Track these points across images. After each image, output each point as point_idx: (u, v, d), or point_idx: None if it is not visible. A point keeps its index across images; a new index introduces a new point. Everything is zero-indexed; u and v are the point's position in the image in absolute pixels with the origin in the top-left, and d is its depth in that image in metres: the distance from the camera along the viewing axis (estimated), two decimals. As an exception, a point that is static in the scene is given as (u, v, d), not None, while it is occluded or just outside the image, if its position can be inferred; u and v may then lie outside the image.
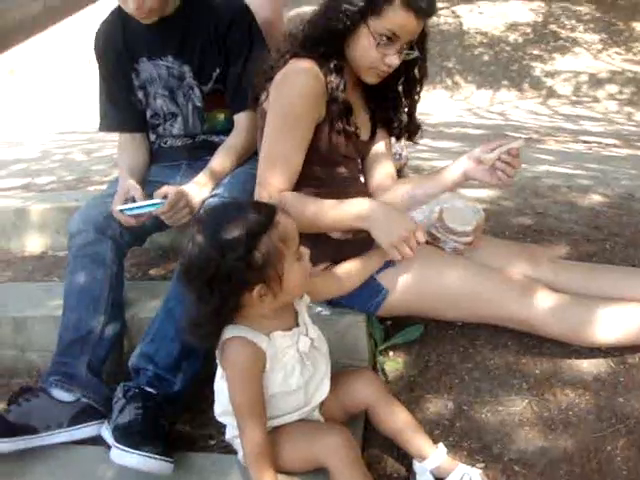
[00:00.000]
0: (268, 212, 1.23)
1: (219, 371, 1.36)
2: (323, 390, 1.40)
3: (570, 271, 1.75)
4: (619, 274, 1.75)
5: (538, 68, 8.09)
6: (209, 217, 1.28)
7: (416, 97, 1.78)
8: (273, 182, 1.56)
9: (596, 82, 7.88)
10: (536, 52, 8.26)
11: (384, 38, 1.54)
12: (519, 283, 1.64)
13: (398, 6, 1.50)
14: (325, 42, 1.56)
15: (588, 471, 1.44)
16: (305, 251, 1.29)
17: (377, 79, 1.65)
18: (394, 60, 1.58)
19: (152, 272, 2.25)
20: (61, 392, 1.57)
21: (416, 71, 1.71)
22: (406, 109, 1.80)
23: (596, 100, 7.68)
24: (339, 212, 1.55)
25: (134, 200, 1.80)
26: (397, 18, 1.52)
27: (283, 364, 1.31)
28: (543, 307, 1.59)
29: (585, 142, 5.16)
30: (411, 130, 1.83)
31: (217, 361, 1.35)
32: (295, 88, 1.56)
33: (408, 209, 1.69)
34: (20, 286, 2.29)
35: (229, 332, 1.30)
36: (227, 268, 1.18)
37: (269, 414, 1.32)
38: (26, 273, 2.44)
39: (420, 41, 1.64)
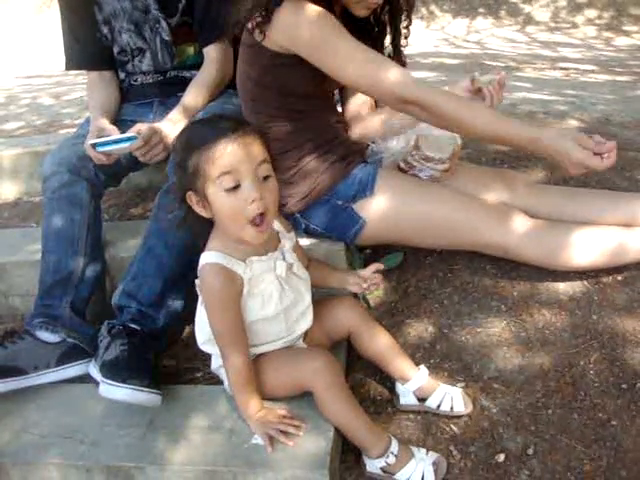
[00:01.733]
0: (217, 134, 1.23)
1: (200, 299, 1.37)
2: (307, 319, 1.42)
3: (545, 196, 1.76)
4: (593, 197, 1.77)
5: (515, -7, 7.93)
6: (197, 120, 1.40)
7: (402, 29, 1.74)
8: (394, 79, 1.46)
9: (575, 7, 7.76)
10: (513, -23, 8.08)
11: None
12: (495, 210, 1.66)
13: None
14: None
15: (562, 385, 1.49)
16: (250, 193, 1.22)
17: (367, 11, 1.61)
18: None
19: (131, 212, 2.24)
20: (46, 333, 1.58)
21: (402, 1, 1.67)
22: (390, 41, 1.75)
23: (575, 26, 7.58)
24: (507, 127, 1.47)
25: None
26: None
27: (260, 289, 1.32)
28: (518, 233, 1.61)
29: (563, 69, 5.11)
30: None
31: (197, 289, 1.36)
32: (311, 15, 1.47)
33: (384, 137, 1.68)
34: (-3, 232, 2.27)
35: (204, 258, 1.31)
36: (175, 162, 1.31)
37: (251, 342, 1.35)
38: (3, 220, 2.42)
39: None
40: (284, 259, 1.36)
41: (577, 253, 1.63)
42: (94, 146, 1.70)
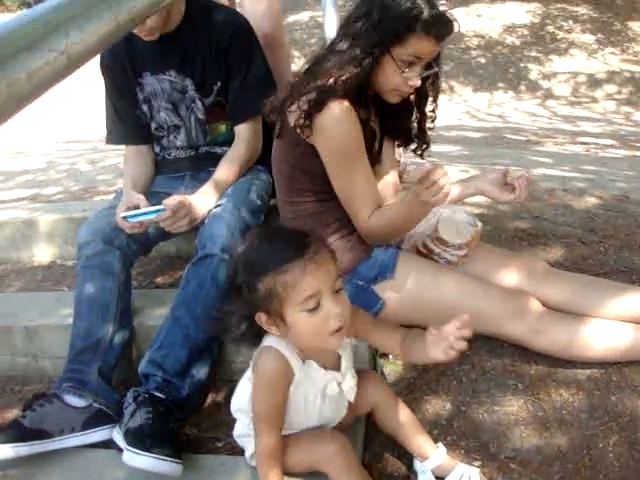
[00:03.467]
0: (290, 255, 1.20)
1: (248, 372, 1.39)
2: (340, 417, 1.44)
3: (563, 283, 1.79)
4: (611, 289, 1.79)
5: (535, 70, 8.15)
6: (257, 233, 1.37)
7: (428, 111, 1.82)
8: (361, 215, 1.66)
9: (594, 82, 7.94)
10: (533, 54, 8.32)
11: (407, 63, 1.60)
12: (511, 300, 1.69)
13: (421, 33, 1.55)
14: (362, 82, 1.60)
15: (581, 467, 1.49)
16: (331, 309, 1.21)
17: (399, 99, 1.71)
18: (417, 82, 1.63)
19: (158, 280, 2.31)
20: (73, 398, 1.63)
21: (429, 85, 1.74)
22: (416, 123, 1.84)
23: (594, 100, 7.74)
24: (409, 212, 1.61)
25: (137, 208, 1.86)
26: (419, 45, 1.57)
27: (305, 393, 1.33)
28: (532, 325, 1.66)
29: (583, 144, 5.22)
30: (419, 144, 1.87)
31: (251, 361, 1.37)
32: (344, 127, 1.59)
33: None
34: (30, 295, 2.36)
35: (268, 340, 1.32)
36: (237, 283, 1.26)
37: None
38: (36, 282, 2.50)
39: (435, 58, 1.68)
40: (340, 384, 1.36)
41: (589, 348, 1.67)
42: (125, 218, 1.80)
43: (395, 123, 1.83)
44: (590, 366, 1.71)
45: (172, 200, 1.80)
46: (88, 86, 6.82)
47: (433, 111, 1.83)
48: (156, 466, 1.38)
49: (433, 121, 1.85)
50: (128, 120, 2.12)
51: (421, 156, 1.89)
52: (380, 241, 1.72)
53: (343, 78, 1.57)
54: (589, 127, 6.39)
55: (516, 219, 2.45)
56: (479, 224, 1.79)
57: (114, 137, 2.18)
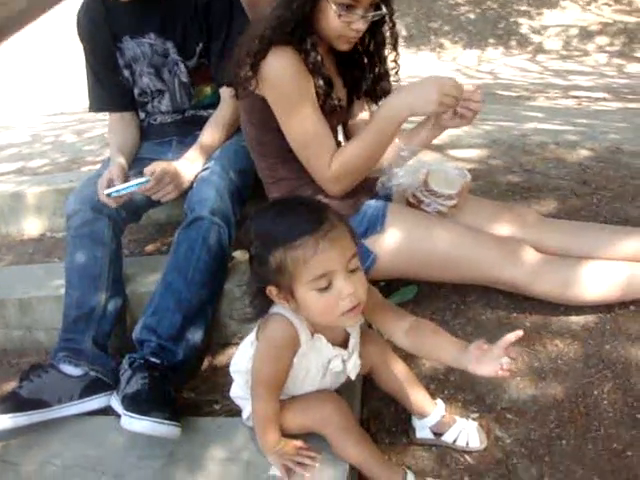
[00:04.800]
0: (303, 230, 1.14)
1: (252, 336, 1.36)
2: (336, 387, 1.44)
3: (555, 230, 1.79)
4: (602, 232, 1.79)
5: (525, 25, 8.03)
6: (272, 204, 1.35)
7: (387, 57, 1.78)
8: (321, 162, 1.63)
9: (586, 35, 7.84)
10: (523, 8, 8.19)
11: (344, 7, 1.56)
12: (504, 245, 1.68)
13: None
14: (299, 25, 1.57)
15: (576, 415, 1.50)
16: (343, 290, 1.15)
17: (349, 45, 1.66)
18: (360, 25, 1.60)
19: (150, 247, 2.29)
20: (69, 367, 1.63)
21: (384, 30, 1.71)
22: (378, 71, 1.79)
23: (586, 54, 7.64)
24: (378, 132, 1.60)
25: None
26: None
27: (308, 365, 1.32)
28: (527, 270, 1.64)
29: (575, 97, 5.16)
30: (382, 95, 1.83)
31: (255, 327, 1.34)
32: (283, 71, 1.57)
33: (392, 171, 1.72)
34: (22, 268, 2.35)
35: (278, 308, 1.27)
36: (251, 254, 1.23)
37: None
38: (27, 256, 2.49)
39: (385, 0, 1.64)
40: (345, 362, 1.34)
41: (586, 289, 1.65)
42: (109, 195, 1.76)
43: (353, 73, 1.80)
44: (585, 316, 1.71)
45: (154, 167, 1.77)
46: (71, 57, 6.71)
47: (395, 61, 1.79)
48: (154, 429, 1.39)
49: (397, 72, 1.82)
50: (110, 87, 2.08)
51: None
52: (348, 186, 1.67)
53: (274, 24, 1.56)
54: (581, 81, 6.32)
55: (508, 173, 2.44)
56: (468, 175, 1.78)
57: (96, 104, 2.14)
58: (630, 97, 5.22)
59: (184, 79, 2.02)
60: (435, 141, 2.08)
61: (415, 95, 1.55)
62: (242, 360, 1.39)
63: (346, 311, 1.17)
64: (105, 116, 2.20)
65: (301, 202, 1.26)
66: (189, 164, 1.85)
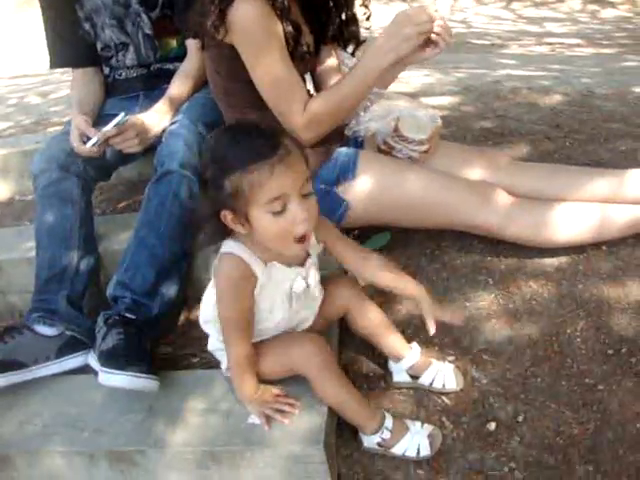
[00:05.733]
0: (259, 154, 1.14)
1: (211, 283, 1.36)
2: (309, 321, 1.44)
3: (527, 173, 1.79)
4: (574, 174, 1.79)
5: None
6: (227, 128, 1.33)
7: (358, 5, 1.74)
8: (293, 108, 1.58)
9: (560, -19, 7.74)
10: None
11: None
12: (477, 189, 1.67)
13: None
14: None
15: (551, 353, 1.53)
16: (298, 214, 1.17)
17: None
18: None
19: (122, 206, 2.26)
20: (44, 327, 1.61)
21: None
22: (344, 14, 1.76)
23: (560, 0, 7.57)
24: (359, 81, 1.57)
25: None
26: None
27: (271, 295, 1.32)
28: (500, 213, 1.64)
29: (548, 44, 5.14)
30: (351, 41, 1.80)
31: (211, 269, 1.34)
32: (251, 16, 1.52)
33: (360, 119, 1.70)
34: (-9, 232, 2.30)
35: (228, 246, 1.28)
36: (204, 179, 1.23)
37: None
38: (-4, 219, 2.44)
39: None
40: (305, 279, 1.34)
41: (559, 230, 1.66)
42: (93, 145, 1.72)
43: (319, 18, 1.76)
44: (558, 257, 1.73)
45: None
46: (29, 17, 6.48)
47: (365, 5, 1.75)
48: (132, 383, 1.38)
49: (368, 18, 1.77)
50: (70, 41, 2.00)
51: (352, 54, 1.83)
52: (320, 134, 1.63)
53: None
54: (555, 28, 6.29)
55: (480, 119, 2.43)
56: (439, 120, 1.76)
57: (57, 60, 2.07)
58: (604, 43, 5.21)
59: (148, 31, 1.96)
60: (406, 89, 2.06)
61: (394, 37, 1.49)
62: (208, 309, 1.39)
63: (298, 237, 1.20)
64: (70, 77, 2.13)
65: (257, 126, 1.25)
66: (157, 117, 1.81)
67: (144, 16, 1.94)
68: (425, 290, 1.43)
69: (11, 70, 6.26)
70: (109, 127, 1.72)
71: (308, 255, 1.35)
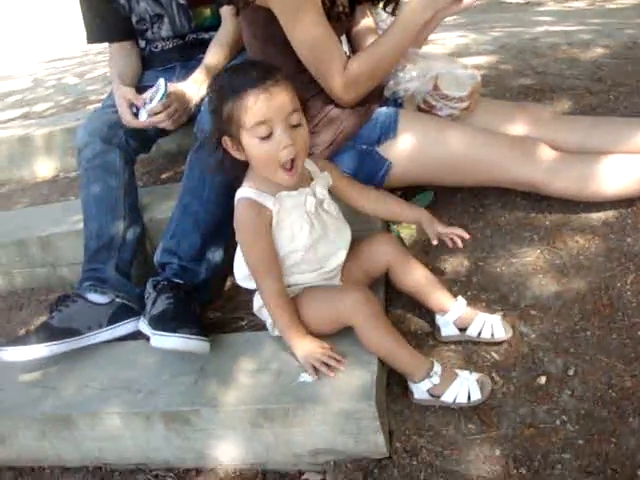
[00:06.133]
0: (248, 84, 1.27)
1: (237, 237, 1.42)
2: (339, 255, 1.45)
3: (571, 126, 1.74)
4: (620, 125, 1.74)
5: None
6: (232, 65, 1.50)
7: None
8: (332, 69, 1.58)
9: None
10: None
11: None
12: (519, 144, 1.64)
13: None
14: None
15: (600, 307, 1.51)
16: (282, 140, 1.28)
17: None
18: None
19: (164, 177, 2.29)
20: (96, 295, 1.66)
21: None
22: None
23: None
24: (398, 38, 1.57)
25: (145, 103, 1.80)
26: None
27: (290, 222, 1.37)
28: (544, 167, 1.61)
29: (586, -1, 4.95)
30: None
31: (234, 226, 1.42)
32: None
33: (395, 71, 1.68)
34: (39, 208, 2.36)
35: (238, 194, 1.38)
36: (211, 108, 1.37)
37: (287, 280, 1.41)
38: (42, 197, 2.50)
39: None
40: (314, 195, 1.40)
41: (605, 184, 1.62)
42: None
43: None
44: (604, 212, 1.70)
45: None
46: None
47: None
48: (184, 345, 1.41)
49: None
50: (106, 15, 2.02)
51: (392, 13, 1.80)
52: (360, 94, 1.63)
53: None
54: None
55: (519, 76, 2.37)
56: (478, 76, 1.73)
57: (93, 36, 2.09)
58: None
59: (181, 1, 1.96)
60: (442, 50, 2.02)
61: None
62: (240, 267, 1.44)
63: (284, 164, 1.30)
64: (105, 57, 2.15)
65: (254, 63, 1.41)
66: (195, 87, 1.82)
67: None
68: (427, 212, 1.54)
69: (47, 54, 6.35)
70: (154, 104, 1.74)
71: (311, 180, 1.43)
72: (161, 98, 1.73)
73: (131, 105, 1.81)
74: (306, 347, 1.36)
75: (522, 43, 2.81)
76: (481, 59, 2.57)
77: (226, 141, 1.34)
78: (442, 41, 2.91)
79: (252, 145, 1.30)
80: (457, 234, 1.49)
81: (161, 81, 1.74)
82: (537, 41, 2.85)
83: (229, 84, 1.31)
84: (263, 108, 1.26)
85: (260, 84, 1.26)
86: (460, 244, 1.50)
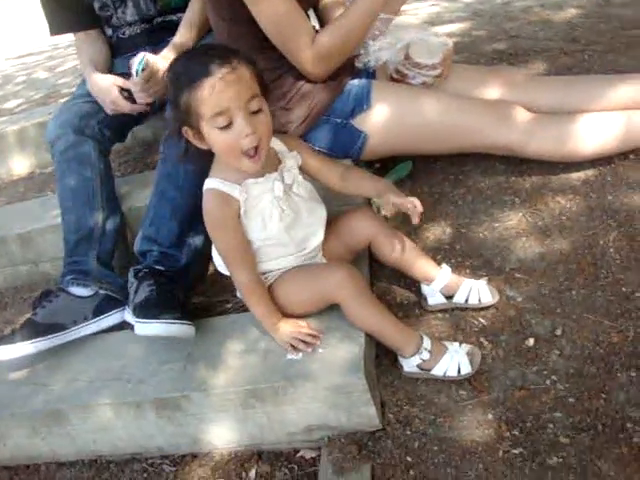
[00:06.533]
0: (202, 72, 1.21)
1: None
2: (316, 236, 1.43)
3: (545, 87, 1.73)
4: (594, 83, 1.73)
5: None
6: (186, 51, 1.40)
7: None
8: (300, 44, 1.55)
9: None
10: None
11: None
12: (494, 108, 1.63)
13: None
14: None
15: (584, 266, 1.51)
16: (243, 129, 1.23)
17: None
18: None
19: (141, 166, 2.27)
20: (79, 288, 1.64)
21: None
22: None
23: None
24: (364, 10, 1.54)
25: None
26: None
27: (259, 210, 1.34)
28: (521, 129, 1.60)
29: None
30: None
31: None
32: None
33: (366, 41, 1.66)
34: (17, 206, 2.33)
35: (204, 186, 1.35)
36: (169, 99, 1.32)
37: (261, 260, 1.39)
38: (19, 194, 2.47)
39: None
40: (282, 180, 1.36)
41: (583, 142, 1.62)
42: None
43: None
44: (584, 171, 1.70)
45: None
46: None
47: None
48: (167, 330, 1.40)
49: None
50: (67, 5, 1.97)
51: None
52: (330, 68, 1.61)
53: None
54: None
55: (493, 41, 2.36)
56: (450, 42, 1.71)
57: (57, 27, 2.03)
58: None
59: None
60: (414, 20, 2.00)
61: None
62: (217, 254, 1.42)
63: (246, 152, 1.25)
64: (74, 50, 2.10)
65: (211, 48, 1.33)
66: (165, 63, 1.79)
67: None
68: (390, 185, 1.46)
69: (15, 50, 6.24)
70: (137, 78, 1.71)
71: (279, 162, 1.39)
72: (138, 71, 1.70)
73: (121, 90, 1.78)
74: (282, 329, 1.36)
75: (494, 8, 2.80)
76: (454, 27, 2.56)
77: (187, 131, 1.29)
78: (415, 11, 2.88)
79: (213, 135, 1.25)
80: (412, 203, 1.39)
81: (140, 56, 1.71)
82: (509, 5, 2.84)
83: (184, 73, 1.25)
84: (220, 98, 1.20)
85: (216, 72, 1.20)
86: (416, 219, 1.39)
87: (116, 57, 2.06)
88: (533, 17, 2.59)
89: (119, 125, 1.92)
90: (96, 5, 1.98)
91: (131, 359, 1.50)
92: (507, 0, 2.95)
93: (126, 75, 1.83)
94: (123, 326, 1.63)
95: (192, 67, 1.24)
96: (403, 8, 2.86)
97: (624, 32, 2.30)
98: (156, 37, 1.99)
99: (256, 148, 1.26)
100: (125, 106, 1.79)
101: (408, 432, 1.33)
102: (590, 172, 1.69)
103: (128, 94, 1.78)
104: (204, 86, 1.20)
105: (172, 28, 1.92)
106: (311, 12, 1.81)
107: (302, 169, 1.44)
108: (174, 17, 1.98)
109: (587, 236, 1.57)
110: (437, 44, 1.71)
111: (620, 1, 2.65)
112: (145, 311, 1.43)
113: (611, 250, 1.53)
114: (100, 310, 1.63)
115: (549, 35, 2.36)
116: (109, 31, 2.05)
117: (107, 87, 1.80)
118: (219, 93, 1.20)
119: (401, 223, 1.66)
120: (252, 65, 1.27)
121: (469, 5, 2.96)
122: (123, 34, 2.04)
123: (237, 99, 1.22)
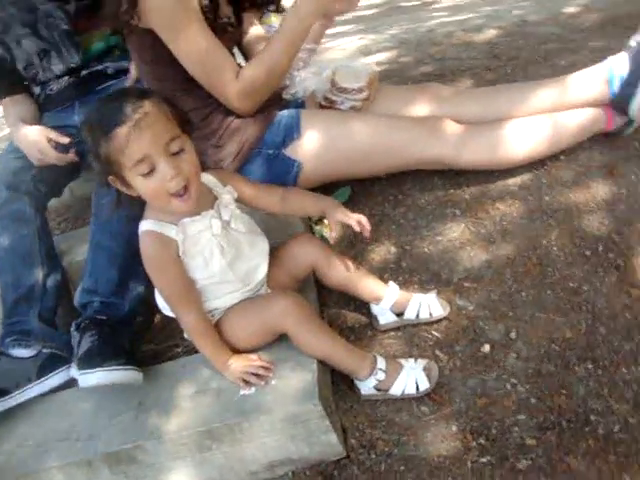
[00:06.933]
0: (115, 121, 1.16)
1: None
2: (261, 268, 1.41)
3: (471, 99, 1.77)
4: (517, 89, 1.77)
5: None
6: (100, 98, 1.30)
7: None
8: (224, 79, 1.54)
9: None
10: None
11: None
12: (423, 123, 1.65)
13: None
14: None
15: (530, 267, 1.52)
16: (166, 173, 1.19)
17: None
18: None
19: (81, 222, 2.22)
20: (20, 350, 1.56)
21: None
22: None
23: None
24: (286, 44, 1.54)
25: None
26: None
27: (199, 249, 1.31)
28: (451, 141, 1.62)
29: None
30: (264, 0, 1.77)
31: None
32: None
33: (291, 72, 1.67)
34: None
35: (140, 228, 1.31)
36: (87, 149, 1.25)
37: (207, 298, 1.35)
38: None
39: None
40: (220, 217, 1.33)
41: (513, 148, 1.65)
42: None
43: None
44: (520, 176, 1.72)
45: None
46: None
47: None
48: (110, 377, 1.34)
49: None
50: None
51: (277, 10, 1.81)
52: (257, 102, 1.61)
53: None
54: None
55: (420, 65, 2.42)
56: (374, 67, 1.75)
57: None
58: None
59: (64, 26, 1.85)
60: (342, 55, 2.03)
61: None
62: (160, 296, 1.38)
63: (175, 194, 1.22)
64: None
65: (124, 93, 1.27)
66: None
67: (58, 12, 1.85)
68: (334, 202, 1.46)
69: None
70: None
71: (215, 198, 1.36)
72: None
73: (49, 141, 1.76)
74: (233, 366, 1.32)
75: (419, 36, 2.88)
76: (382, 56, 2.62)
77: (114, 180, 1.25)
78: (343, 46, 2.94)
79: (138, 183, 1.21)
80: (357, 219, 1.40)
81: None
82: (433, 32, 2.93)
83: (98, 122, 1.19)
84: (137, 145, 1.16)
85: (128, 120, 1.15)
86: (367, 233, 1.40)
87: (46, 111, 2.02)
88: (456, 40, 2.67)
89: (54, 179, 1.87)
90: (20, 66, 1.94)
91: (80, 416, 1.43)
92: (431, 28, 3.05)
93: (57, 128, 1.81)
94: (72, 384, 1.56)
95: (105, 116, 1.19)
96: (330, 45, 2.94)
97: (541, 46, 2.39)
98: (84, 88, 1.97)
99: (185, 187, 1.22)
100: (53, 156, 1.75)
101: (373, 456, 1.30)
102: (526, 176, 1.72)
103: (56, 145, 1.75)
104: (118, 135, 1.16)
105: (101, 77, 1.92)
106: (235, 49, 1.82)
107: (240, 200, 1.41)
108: (100, 67, 1.96)
109: (530, 238, 1.58)
110: (361, 68, 1.75)
111: (535, 20, 2.77)
112: (88, 361, 1.37)
113: (554, 248, 1.55)
114: (44, 370, 1.55)
115: (472, 55, 2.43)
116: (37, 89, 2.02)
117: (35, 138, 1.77)
118: (135, 141, 1.16)
119: (346, 247, 1.65)
120: (169, 105, 1.23)
121: (395, 36, 3.04)
122: (51, 90, 2.00)
123: (155, 144, 1.18)
